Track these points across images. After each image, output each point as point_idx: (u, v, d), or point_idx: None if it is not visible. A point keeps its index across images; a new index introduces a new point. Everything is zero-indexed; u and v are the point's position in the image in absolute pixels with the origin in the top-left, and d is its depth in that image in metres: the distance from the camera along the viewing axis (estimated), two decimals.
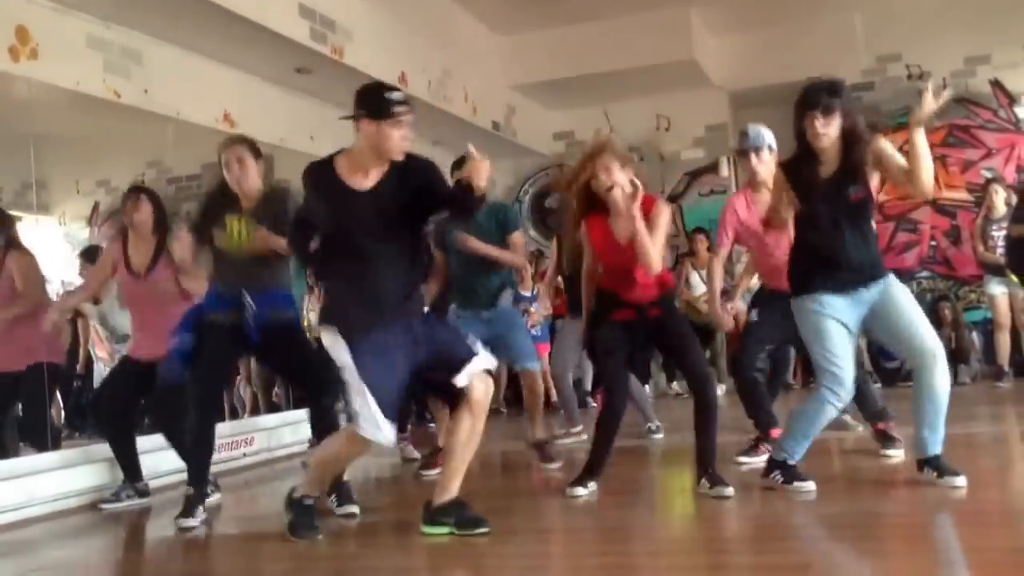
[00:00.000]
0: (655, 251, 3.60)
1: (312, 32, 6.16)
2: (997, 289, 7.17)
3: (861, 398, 4.15)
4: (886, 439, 4.22)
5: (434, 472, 4.36)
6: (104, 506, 4.34)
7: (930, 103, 3.27)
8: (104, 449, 4.49)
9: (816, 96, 3.40)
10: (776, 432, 4.11)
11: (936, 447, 3.41)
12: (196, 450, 3.81)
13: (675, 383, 8.53)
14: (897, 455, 4.11)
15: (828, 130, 3.36)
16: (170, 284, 4.31)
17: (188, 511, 3.68)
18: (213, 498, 4.14)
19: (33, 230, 5.48)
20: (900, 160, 3.42)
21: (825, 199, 3.38)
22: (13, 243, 4.72)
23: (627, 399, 3.91)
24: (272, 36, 5.82)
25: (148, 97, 5.70)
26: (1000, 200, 7.48)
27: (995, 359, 7.51)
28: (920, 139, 3.30)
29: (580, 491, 3.69)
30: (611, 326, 3.76)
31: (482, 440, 4.33)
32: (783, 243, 3.89)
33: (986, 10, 8.46)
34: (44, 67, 5.07)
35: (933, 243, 8.93)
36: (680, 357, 3.83)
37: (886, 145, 3.48)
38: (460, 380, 3.09)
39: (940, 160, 8.88)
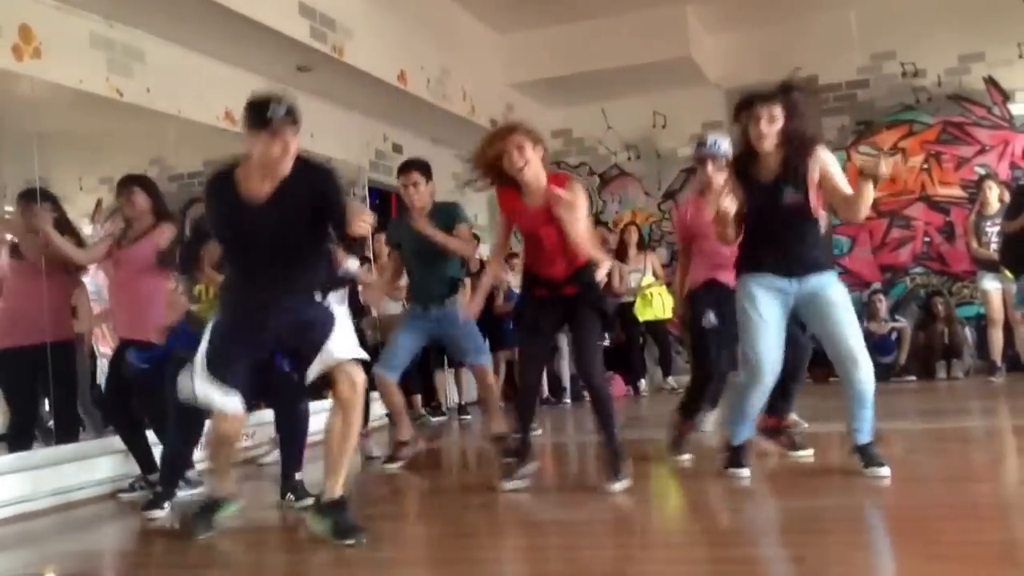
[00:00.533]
0: (584, 239, 3.71)
1: (312, 31, 6.20)
2: (990, 285, 7.25)
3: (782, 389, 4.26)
4: (772, 435, 4.25)
5: (395, 465, 4.76)
6: (121, 495, 4.46)
7: (885, 169, 3.42)
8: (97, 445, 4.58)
9: (759, 96, 3.50)
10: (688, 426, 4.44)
11: (863, 438, 3.56)
12: (169, 456, 4.00)
13: (671, 378, 8.61)
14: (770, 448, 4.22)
15: (769, 131, 3.46)
16: (148, 263, 4.45)
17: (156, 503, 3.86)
18: (193, 491, 4.20)
19: None
20: (841, 184, 3.56)
21: (762, 200, 3.50)
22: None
23: (539, 379, 4.06)
24: (273, 35, 5.86)
25: (150, 96, 5.74)
26: (994, 196, 7.55)
27: (988, 354, 7.59)
28: (868, 189, 3.45)
29: (511, 484, 3.79)
30: (529, 303, 3.90)
31: (477, 433, 4.41)
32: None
33: (980, 8, 8.52)
34: (47, 66, 5.10)
35: (927, 239, 9.00)
36: (574, 344, 3.97)
37: (831, 162, 3.57)
38: (310, 373, 3.14)
39: (934, 157, 8.97)
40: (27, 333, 4.68)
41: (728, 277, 3.97)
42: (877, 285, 8.93)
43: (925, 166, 8.97)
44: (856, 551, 2.70)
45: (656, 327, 8.62)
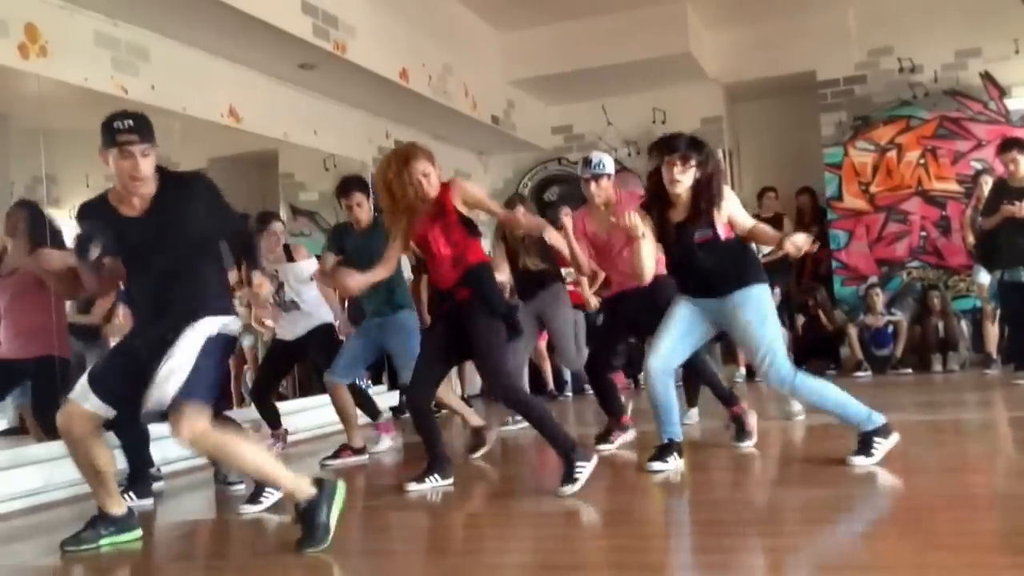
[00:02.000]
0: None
1: (315, 28, 6.24)
2: (986, 278, 7.31)
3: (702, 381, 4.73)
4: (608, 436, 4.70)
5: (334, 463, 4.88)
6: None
7: (799, 247, 3.59)
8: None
9: (675, 144, 3.68)
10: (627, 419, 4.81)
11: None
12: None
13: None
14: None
15: (683, 178, 3.66)
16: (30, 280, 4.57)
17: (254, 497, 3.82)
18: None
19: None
20: (745, 220, 3.77)
21: (676, 241, 3.74)
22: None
23: (426, 398, 3.91)
24: (276, 32, 5.90)
25: (155, 93, 5.78)
26: (989, 191, 7.61)
27: (983, 347, 7.66)
28: (783, 244, 3.62)
29: (415, 486, 3.82)
30: (435, 322, 3.96)
31: (477, 427, 4.44)
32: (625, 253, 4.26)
33: (977, 4, 8.57)
34: (53, 64, 5.15)
35: (923, 233, 9.06)
36: (477, 360, 3.72)
37: (736, 208, 3.76)
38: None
39: (931, 152, 9.03)
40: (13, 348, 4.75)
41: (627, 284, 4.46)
42: (874, 279, 9.00)
43: (922, 161, 9.03)
44: (853, 540, 2.74)
45: None
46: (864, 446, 3.63)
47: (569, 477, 3.51)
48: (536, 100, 9.81)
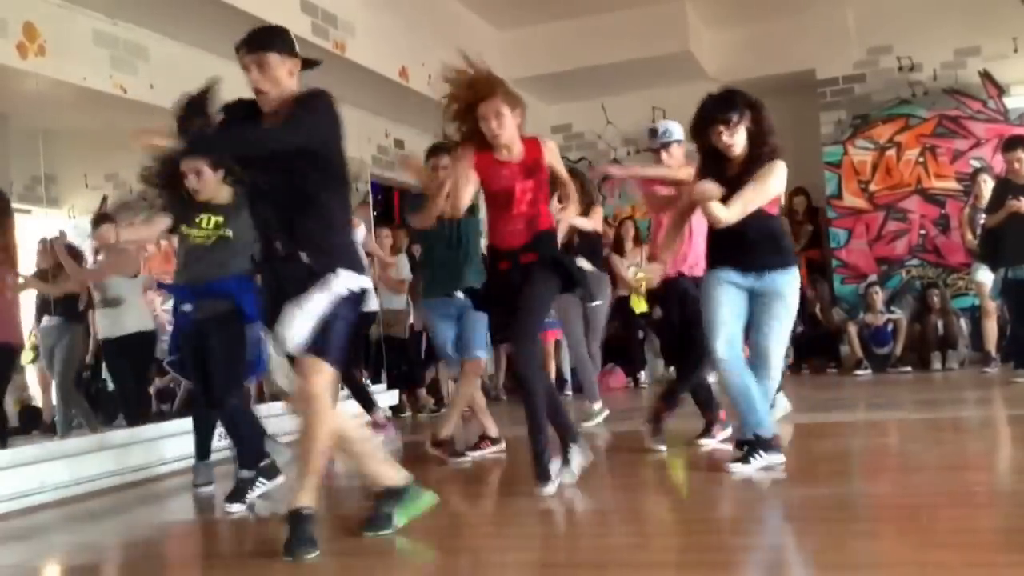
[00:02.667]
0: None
1: (314, 27, 6.24)
2: (985, 276, 7.31)
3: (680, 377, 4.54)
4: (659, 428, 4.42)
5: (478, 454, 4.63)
6: None
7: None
8: (113, 437, 4.62)
9: (712, 113, 3.64)
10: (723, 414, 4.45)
11: (747, 434, 3.67)
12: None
13: (672, 369, 8.66)
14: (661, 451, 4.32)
15: (736, 139, 3.59)
16: None
17: (237, 495, 3.82)
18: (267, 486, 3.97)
19: (43, 224, 5.56)
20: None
21: (733, 187, 3.58)
22: None
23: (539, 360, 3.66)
24: None
25: (154, 92, 5.78)
26: (989, 189, 7.61)
27: (983, 345, 7.67)
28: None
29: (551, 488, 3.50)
30: (492, 280, 3.70)
31: (492, 437, 4.37)
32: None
33: (975, 3, 8.59)
34: (52, 63, 5.15)
35: (922, 231, 9.07)
36: (518, 313, 3.49)
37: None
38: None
39: (930, 150, 9.04)
40: None
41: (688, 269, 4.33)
42: (873, 277, 9.00)
43: (921, 159, 9.04)
44: (852, 539, 2.74)
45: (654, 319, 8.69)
46: (749, 453, 3.62)
47: (544, 476, 3.44)
48: (536, 99, 9.78)
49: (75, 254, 5.55)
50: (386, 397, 7.14)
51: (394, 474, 3.06)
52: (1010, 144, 6.85)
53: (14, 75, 5.01)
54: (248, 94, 3.02)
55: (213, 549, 3.49)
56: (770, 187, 3.58)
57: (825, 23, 9.09)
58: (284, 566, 2.78)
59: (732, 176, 3.60)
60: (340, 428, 2.96)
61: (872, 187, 9.18)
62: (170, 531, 3.82)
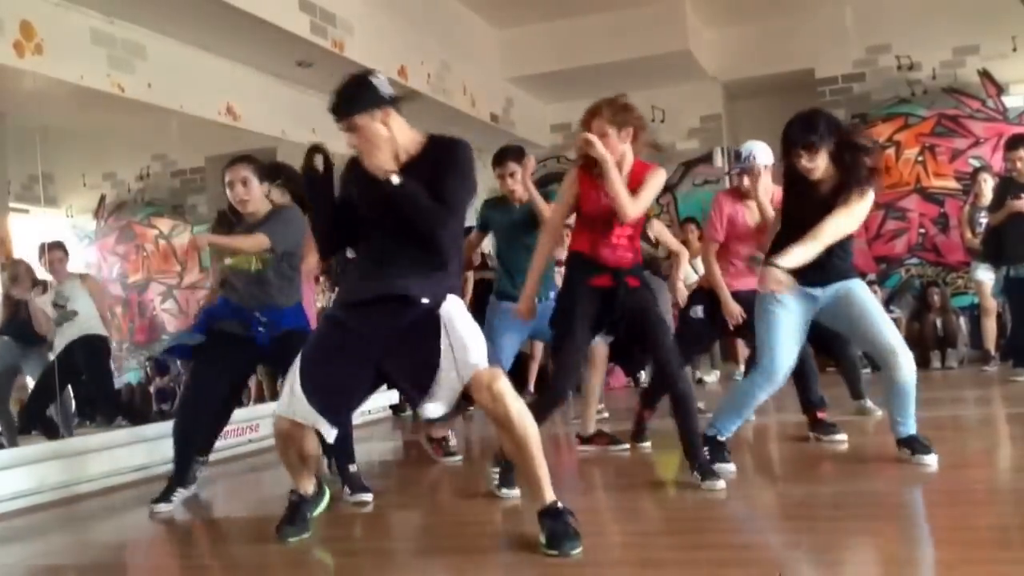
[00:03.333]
0: (623, 194, 3.41)
1: (313, 26, 6.24)
2: (984, 275, 7.30)
3: (802, 386, 4.41)
4: (824, 427, 4.39)
5: None
6: None
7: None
8: (104, 439, 4.60)
9: (792, 139, 3.50)
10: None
11: (909, 429, 3.62)
12: (175, 443, 3.96)
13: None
14: (841, 440, 4.30)
15: (816, 163, 3.49)
16: None
17: (164, 496, 3.86)
18: (187, 492, 4.03)
19: (41, 223, 5.57)
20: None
21: (819, 210, 3.48)
22: None
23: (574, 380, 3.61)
24: (273, 30, 5.90)
25: (152, 91, 5.78)
26: (988, 188, 7.60)
27: (982, 344, 7.66)
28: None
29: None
30: (586, 291, 3.54)
31: (477, 423, 4.34)
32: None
33: (974, 2, 8.57)
34: (49, 62, 5.15)
35: (922, 230, 9.07)
36: (651, 342, 3.58)
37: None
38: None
39: (929, 149, 9.04)
40: None
41: (740, 284, 4.33)
42: (872, 276, 8.98)
43: (920, 158, 9.03)
44: (852, 536, 2.75)
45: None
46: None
47: (705, 474, 3.46)
48: (535, 98, 9.80)
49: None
50: (386, 397, 7.13)
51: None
52: (1013, 144, 6.85)
53: (11, 74, 5.01)
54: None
55: (218, 549, 3.48)
56: (853, 216, 3.48)
57: (824, 22, 9.09)
58: (289, 564, 2.76)
59: (819, 200, 3.52)
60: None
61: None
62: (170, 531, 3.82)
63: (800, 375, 4.26)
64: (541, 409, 3.36)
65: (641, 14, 8.51)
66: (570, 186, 3.58)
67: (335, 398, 2.84)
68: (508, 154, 4.59)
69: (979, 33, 8.78)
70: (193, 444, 3.99)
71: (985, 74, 8.87)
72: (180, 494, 3.92)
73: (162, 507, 3.83)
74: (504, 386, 2.73)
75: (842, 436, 4.31)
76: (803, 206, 3.55)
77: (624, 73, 8.99)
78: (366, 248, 2.97)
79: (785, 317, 3.55)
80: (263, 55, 6.41)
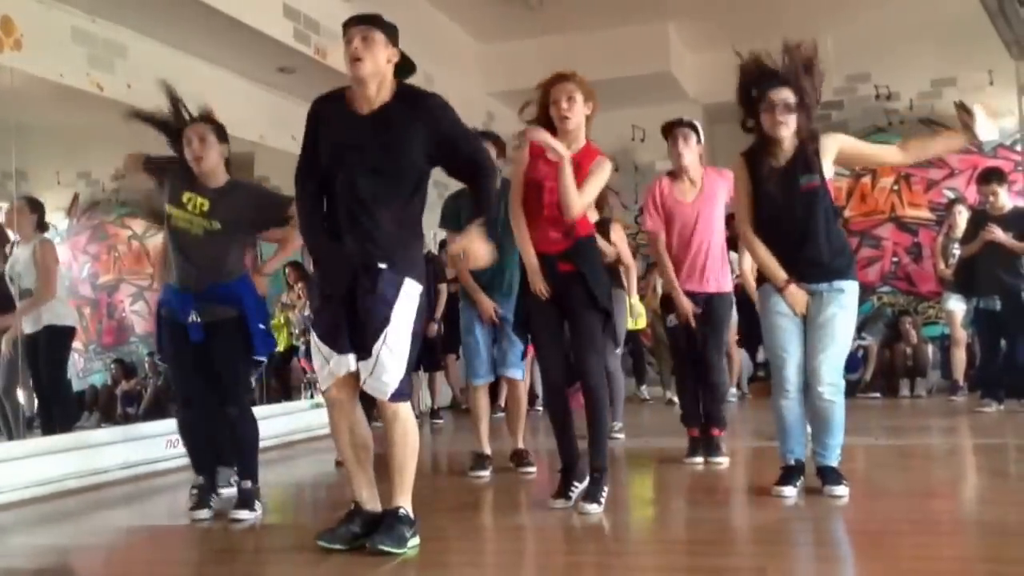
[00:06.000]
0: (573, 192, 3.36)
1: (296, 33, 6.22)
2: (955, 306, 7.40)
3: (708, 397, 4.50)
4: (712, 446, 4.45)
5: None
6: None
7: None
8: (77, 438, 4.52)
9: (775, 82, 3.60)
10: None
11: (824, 460, 3.58)
12: (183, 441, 3.89)
13: (644, 388, 8.65)
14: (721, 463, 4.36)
15: (787, 119, 3.52)
16: None
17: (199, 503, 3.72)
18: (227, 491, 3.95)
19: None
20: (864, 147, 3.82)
21: (779, 190, 3.51)
22: None
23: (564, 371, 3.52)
24: (256, 35, 5.88)
25: (131, 92, 5.72)
26: (963, 220, 7.70)
27: (951, 373, 7.73)
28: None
29: (560, 503, 3.52)
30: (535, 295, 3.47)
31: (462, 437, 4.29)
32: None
33: (952, 35, 8.70)
34: (28, 58, 5.09)
35: (895, 259, 9.16)
36: (571, 329, 3.43)
37: (848, 142, 3.73)
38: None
39: (904, 179, 9.14)
40: None
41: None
42: None
43: (895, 187, 9.14)
44: (817, 563, 2.75)
45: (629, 337, 8.68)
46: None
47: (594, 497, 3.41)
48: (515, 113, 9.79)
49: None
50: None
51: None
52: (985, 178, 6.95)
53: None
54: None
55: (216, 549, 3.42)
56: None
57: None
58: (284, 562, 2.73)
59: (781, 173, 3.62)
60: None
61: (847, 213, 9.26)
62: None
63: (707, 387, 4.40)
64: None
65: (624, 35, 8.56)
66: (519, 163, 3.59)
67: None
68: (486, 138, 4.58)
69: (957, 66, 8.91)
70: (200, 441, 3.82)
71: (961, 106, 8.97)
72: (215, 500, 3.77)
73: (202, 514, 3.67)
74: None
75: (725, 459, 4.35)
76: (772, 194, 3.52)
77: (605, 92, 8.91)
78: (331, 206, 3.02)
79: (788, 325, 3.55)
80: (245, 60, 6.38)
